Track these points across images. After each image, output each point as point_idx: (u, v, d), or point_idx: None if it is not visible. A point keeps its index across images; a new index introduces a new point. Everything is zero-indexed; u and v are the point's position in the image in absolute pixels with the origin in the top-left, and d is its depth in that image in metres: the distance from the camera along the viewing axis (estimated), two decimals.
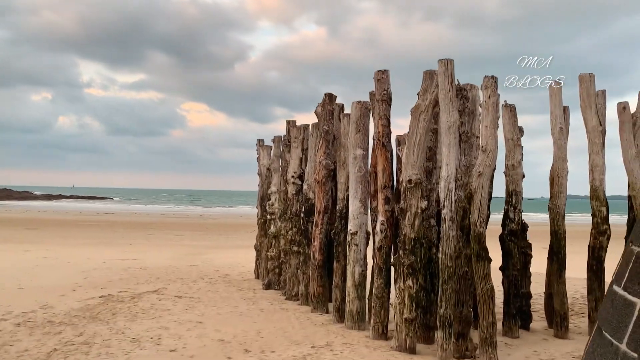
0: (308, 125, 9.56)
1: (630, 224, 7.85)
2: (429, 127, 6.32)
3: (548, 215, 7.55)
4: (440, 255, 5.89)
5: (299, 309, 8.66)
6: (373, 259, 7.08)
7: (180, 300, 8.95)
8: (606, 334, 3.24)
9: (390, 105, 7.00)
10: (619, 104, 7.68)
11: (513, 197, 7.29)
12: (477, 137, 6.83)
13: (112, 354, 5.79)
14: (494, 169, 6.24)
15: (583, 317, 8.34)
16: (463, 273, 6.21)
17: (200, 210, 57.65)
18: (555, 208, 7.36)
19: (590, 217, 7.45)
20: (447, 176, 5.88)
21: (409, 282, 6.27)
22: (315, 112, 8.73)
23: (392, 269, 6.61)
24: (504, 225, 7.31)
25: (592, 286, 7.34)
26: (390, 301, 6.63)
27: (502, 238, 7.29)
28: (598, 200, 7.31)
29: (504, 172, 7.35)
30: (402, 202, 6.42)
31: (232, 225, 33.21)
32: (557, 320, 7.23)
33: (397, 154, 7.31)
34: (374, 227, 7.22)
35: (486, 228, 6.16)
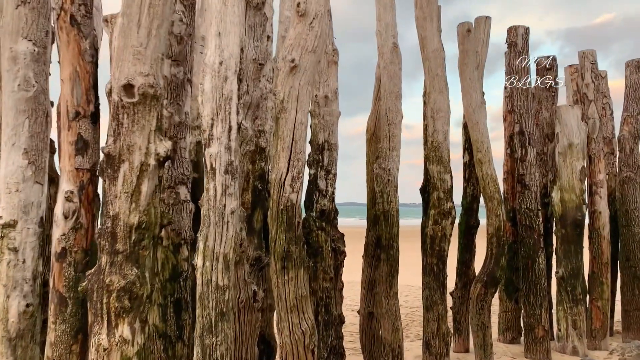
0: None
1: (469, 201, 5.55)
2: None
3: (371, 189, 4.72)
4: (198, 262, 2.39)
5: None
6: (52, 279, 3.23)
7: None
8: None
9: None
10: (461, 25, 5.28)
11: (325, 154, 4.20)
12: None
13: None
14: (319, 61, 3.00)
15: (411, 342, 5.76)
16: (247, 299, 2.83)
17: None
18: (385, 174, 4.54)
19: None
20: (220, 62, 2.43)
21: (123, 329, 2.61)
22: None
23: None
24: (309, 202, 4.17)
25: (431, 298, 4.72)
26: None
27: (305, 224, 4.14)
28: (441, 164, 4.72)
29: (309, 111, 4.22)
30: (109, 142, 2.72)
31: None
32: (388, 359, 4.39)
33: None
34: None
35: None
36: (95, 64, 3.23)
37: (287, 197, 2.78)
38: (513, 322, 5.88)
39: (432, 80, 4.73)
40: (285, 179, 2.79)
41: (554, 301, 5.83)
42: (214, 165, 2.40)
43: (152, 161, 2.71)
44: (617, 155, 6.50)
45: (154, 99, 2.71)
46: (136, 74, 2.66)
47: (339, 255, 4.47)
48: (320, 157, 4.13)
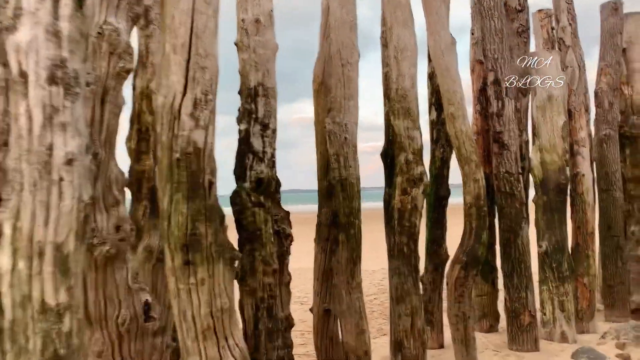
0: None
1: (438, 167, 4.60)
2: None
3: (323, 153, 3.67)
4: (3, 262, 1.25)
5: None
6: None
7: None
8: None
9: None
10: None
11: (259, 102, 3.05)
12: None
13: None
14: None
15: (374, 339, 4.75)
16: (134, 317, 1.71)
17: None
18: (340, 131, 3.48)
19: None
20: None
21: None
22: None
23: None
24: (240, 168, 3.05)
25: (402, 287, 3.72)
26: None
27: (236, 199, 3.01)
28: (409, 119, 3.70)
29: (235, 43, 3.08)
30: None
31: None
32: None
33: None
34: None
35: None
36: None
37: (185, 136, 1.60)
38: (490, 308, 5.02)
39: (394, 10, 3.69)
40: (180, 105, 1.60)
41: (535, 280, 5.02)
42: (23, 67, 1.23)
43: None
44: (594, 112, 5.75)
45: None
46: None
47: (284, 239, 3.38)
48: (254, 106, 3.01)
